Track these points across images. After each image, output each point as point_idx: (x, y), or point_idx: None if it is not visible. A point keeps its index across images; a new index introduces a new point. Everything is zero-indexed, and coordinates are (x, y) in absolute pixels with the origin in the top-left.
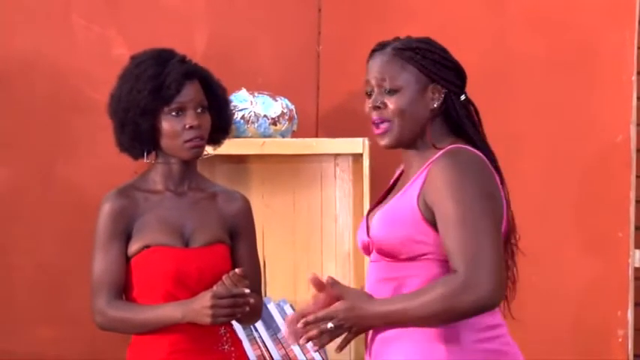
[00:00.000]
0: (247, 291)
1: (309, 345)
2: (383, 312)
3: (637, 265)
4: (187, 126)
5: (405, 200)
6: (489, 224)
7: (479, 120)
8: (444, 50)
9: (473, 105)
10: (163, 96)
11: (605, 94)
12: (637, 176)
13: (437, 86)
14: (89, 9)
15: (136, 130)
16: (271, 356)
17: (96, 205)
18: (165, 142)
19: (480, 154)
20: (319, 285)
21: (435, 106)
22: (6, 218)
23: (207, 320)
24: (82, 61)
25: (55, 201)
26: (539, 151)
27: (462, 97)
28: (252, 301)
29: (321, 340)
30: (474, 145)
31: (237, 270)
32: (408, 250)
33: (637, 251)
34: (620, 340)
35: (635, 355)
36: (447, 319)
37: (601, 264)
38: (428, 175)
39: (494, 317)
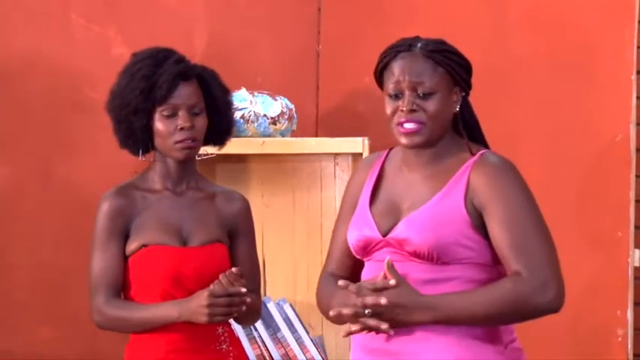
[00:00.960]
0: (244, 290)
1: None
2: (439, 304)
3: (636, 265)
4: (179, 127)
5: (449, 203)
6: (544, 226)
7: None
8: (460, 52)
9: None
10: (155, 96)
11: (605, 94)
12: (636, 176)
13: (457, 89)
14: (88, 8)
15: (130, 128)
16: (271, 356)
17: (95, 204)
18: (158, 142)
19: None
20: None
21: (457, 109)
22: (5, 217)
23: (204, 319)
24: (82, 61)
25: (54, 200)
26: (538, 150)
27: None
28: (248, 300)
29: (367, 321)
30: (485, 146)
31: (233, 269)
32: (453, 253)
33: (637, 251)
34: (619, 339)
35: (634, 355)
36: (513, 319)
37: (601, 263)
38: (472, 179)
39: None
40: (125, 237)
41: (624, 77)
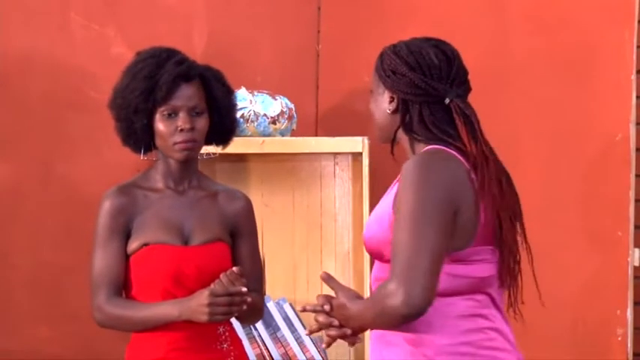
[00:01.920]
0: (244, 289)
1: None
2: (354, 313)
3: (636, 264)
4: (179, 129)
5: (385, 203)
6: (417, 232)
7: (466, 121)
8: (402, 58)
9: (460, 107)
10: (155, 97)
11: (605, 93)
12: (636, 175)
13: (391, 93)
14: (88, 7)
15: (130, 128)
16: (271, 355)
17: (95, 203)
18: (158, 142)
19: (454, 157)
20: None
21: (389, 111)
22: (5, 217)
23: (204, 318)
24: (81, 60)
25: (53, 199)
26: (538, 150)
27: (447, 101)
28: (249, 300)
29: (328, 332)
30: (456, 147)
31: (234, 268)
32: (387, 252)
33: (636, 250)
34: (619, 338)
35: (634, 354)
36: (381, 323)
37: (601, 263)
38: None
39: (475, 322)
40: (126, 235)
41: (624, 77)
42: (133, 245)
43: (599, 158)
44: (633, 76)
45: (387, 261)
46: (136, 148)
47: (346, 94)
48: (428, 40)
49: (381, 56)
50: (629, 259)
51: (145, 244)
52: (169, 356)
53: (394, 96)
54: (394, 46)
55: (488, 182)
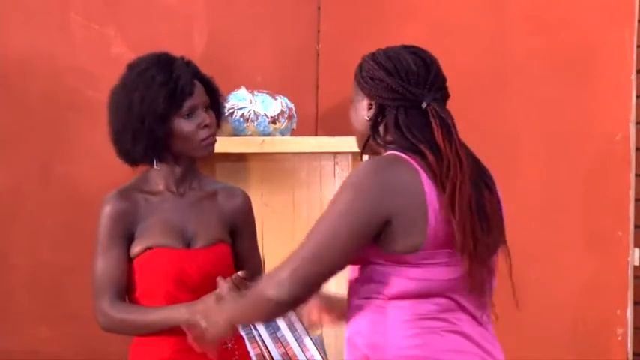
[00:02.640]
0: None
1: None
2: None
3: (636, 264)
4: (202, 125)
5: None
6: (318, 233)
7: (442, 124)
8: (380, 64)
9: (436, 111)
10: (177, 100)
11: (605, 93)
12: (636, 175)
13: (369, 99)
14: (88, 7)
15: (152, 138)
16: (270, 355)
17: (94, 203)
18: (179, 145)
19: (405, 164)
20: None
21: (367, 118)
22: (4, 217)
23: None
24: (81, 60)
25: (53, 199)
26: (538, 149)
27: (424, 105)
28: None
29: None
30: (422, 154)
31: (240, 272)
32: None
33: (636, 250)
34: (619, 338)
35: (634, 354)
36: (251, 310)
37: (600, 262)
38: None
39: (433, 324)
40: (128, 239)
41: (624, 76)
42: (135, 249)
43: (599, 158)
44: (633, 76)
45: (355, 263)
46: (150, 161)
47: (346, 93)
48: (406, 47)
49: (360, 64)
50: (629, 259)
51: (148, 248)
52: (175, 357)
53: (372, 102)
54: (373, 53)
55: (460, 186)
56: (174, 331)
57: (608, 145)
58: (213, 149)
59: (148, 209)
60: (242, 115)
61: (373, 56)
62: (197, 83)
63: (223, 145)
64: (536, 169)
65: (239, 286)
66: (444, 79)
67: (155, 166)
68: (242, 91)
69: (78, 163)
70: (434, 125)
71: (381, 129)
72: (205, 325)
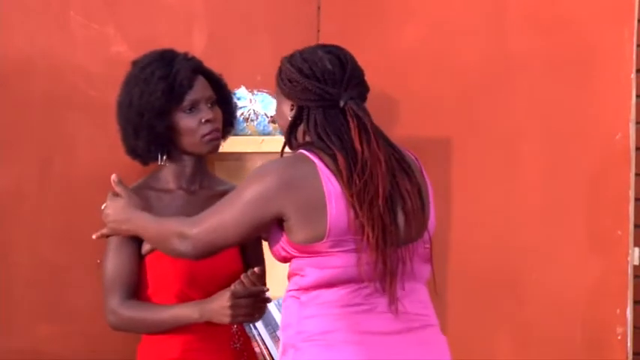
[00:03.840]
0: (266, 289)
1: None
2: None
3: (636, 263)
4: (203, 120)
5: None
6: (226, 207)
7: (359, 123)
8: (296, 66)
9: (353, 110)
10: (176, 94)
11: (604, 92)
12: (636, 174)
13: (290, 101)
14: (87, 6)
15: (152, 133)
16: (270, 354)
17: (94, 201)
18: (182, 141)
19: (309, 161)
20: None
21: (290, 119)
22: (4, 216)
23: (226, 320)
24: (80, 59)
25: (53, 198)
26: (537, 149)
27: (341, 104)
28: (270, 299)
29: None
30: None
31: (255, 269)
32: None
33: (636, 249)
34: (619, 337)
35: (634, 353)
36: (157, 239)
37: (600, 262)
38: None
39: (327, 309)
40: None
41: (624, 76)
42: (147, 246)
43: (599, 157)
44: (633, 75)
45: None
46: (154, 156)
47: None
48: (323, 47)
49: (279, 67)
50: (628, 259)
51: None
52: (184, 356)
53: (293, 103)
54: (291, 56)
55: (369, 181)
56: (183, 330)
57: (607, 144)
58: (217, 145)
59: (160, 207)
60: (242, 115)
61: (290, 59)
62: (200, 78)
63: (223, 144)
64: (536, 169)
65: (255, 283)
66: (360, 76)
67: (160, 162)
68: (242, 91)
69: (77, 161)
70: (351, 125)
71: (300, 129)
72: (111, 212)
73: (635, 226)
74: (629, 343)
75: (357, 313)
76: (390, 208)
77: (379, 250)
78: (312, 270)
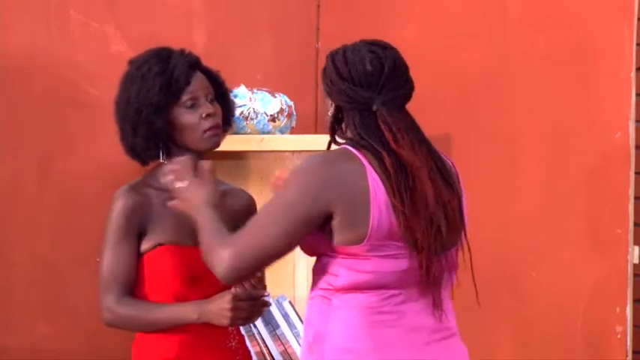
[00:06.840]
0: (266, 293)
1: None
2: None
3: (636, 262)
4: (204, 115)
5: None
6: (264, 221)
7: (391, 128)
8: (335, 66)
9: (383, 115)
10: (174, 90)
11: (604, 91)
12: (636, 173)
13: (330, 99)
14: (87, 5)
15: (151, 130)
16: (270, 353)
17: (93, 200)
18: (182, 137)
19: (355, 158)
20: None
21: (330, 114)
22: (4, 214)
23: (225, 322)
24: (80, 58)
25: (52, 196)
26: (537, 148)
27: (374, 108)
28: (270, 303)
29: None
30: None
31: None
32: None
33: (636, 248)
34: (619, 336)
35: (634, 352)
36: (206, 251)
37: (600, 261)
38: None
39: (378, 317)
40: (139, 235)
41: (623, 74)
42: (146, 245)
43: (599, 156)
44: (633, 74)
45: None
46: (154, 154)
47: None
48: (368, 43)
49: (325, 63)
50: (628, 257)
51: (159, 244)
52: (180, 355)
53: (332, 101)
54: (335, 52)
55: (412, 187)
56: (179, 328)
57: (607, 143)
58: (218, 141)
59: (159, 205)
60: (241, 113)
61: (333, 57)
62: (198, 74)
63: (222, 143)
64: (536, 167)
65: (255, 286)
66: (399, 79)
67: (161, 160)
68: (242, 89)
69: (77, 160)
70: (383, 129)
71: (343, 126)
72: (191, 192)
73: (635, 224)
74: (629, 342)
75: (386, 326)
76: (432, 216)
77: (428, 256)
78: (347, 272)
